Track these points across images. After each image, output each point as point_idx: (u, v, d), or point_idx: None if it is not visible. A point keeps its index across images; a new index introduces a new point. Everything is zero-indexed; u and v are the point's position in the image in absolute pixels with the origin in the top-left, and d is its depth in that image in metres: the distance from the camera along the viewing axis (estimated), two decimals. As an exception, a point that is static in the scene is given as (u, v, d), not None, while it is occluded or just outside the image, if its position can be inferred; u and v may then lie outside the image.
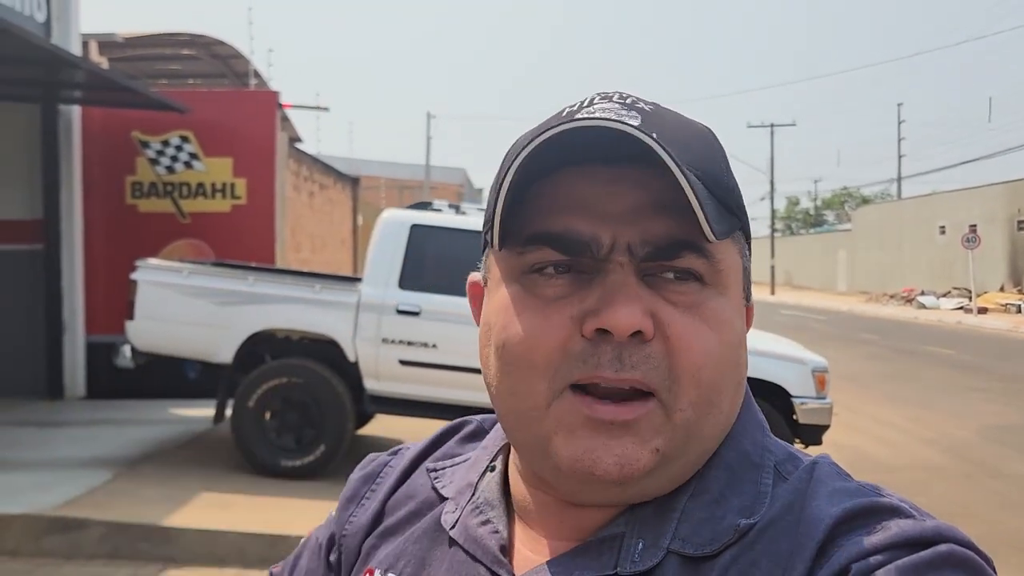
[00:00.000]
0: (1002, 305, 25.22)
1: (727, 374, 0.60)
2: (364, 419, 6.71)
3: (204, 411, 7.17)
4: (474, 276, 0.69)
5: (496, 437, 0.72)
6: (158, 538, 4.58)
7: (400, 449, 0.79)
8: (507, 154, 0.60)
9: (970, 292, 25.30)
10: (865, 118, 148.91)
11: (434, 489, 0.71)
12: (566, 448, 0.57)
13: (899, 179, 48.36)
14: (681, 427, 0.58)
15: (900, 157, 47.86)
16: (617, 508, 0.61)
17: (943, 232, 33.32)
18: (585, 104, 0.60)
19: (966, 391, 11.19)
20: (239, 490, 5.35)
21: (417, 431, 7.28)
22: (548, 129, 0.55)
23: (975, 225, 28.06)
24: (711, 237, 0.54)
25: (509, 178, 0.56)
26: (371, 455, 0.80)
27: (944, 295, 29.14)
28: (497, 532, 0.64)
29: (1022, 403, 10.31)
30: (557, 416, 0.57)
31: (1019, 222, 28.71)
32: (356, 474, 0.78)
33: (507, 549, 0.63)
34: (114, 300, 7.84)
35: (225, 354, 5.90)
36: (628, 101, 0.60)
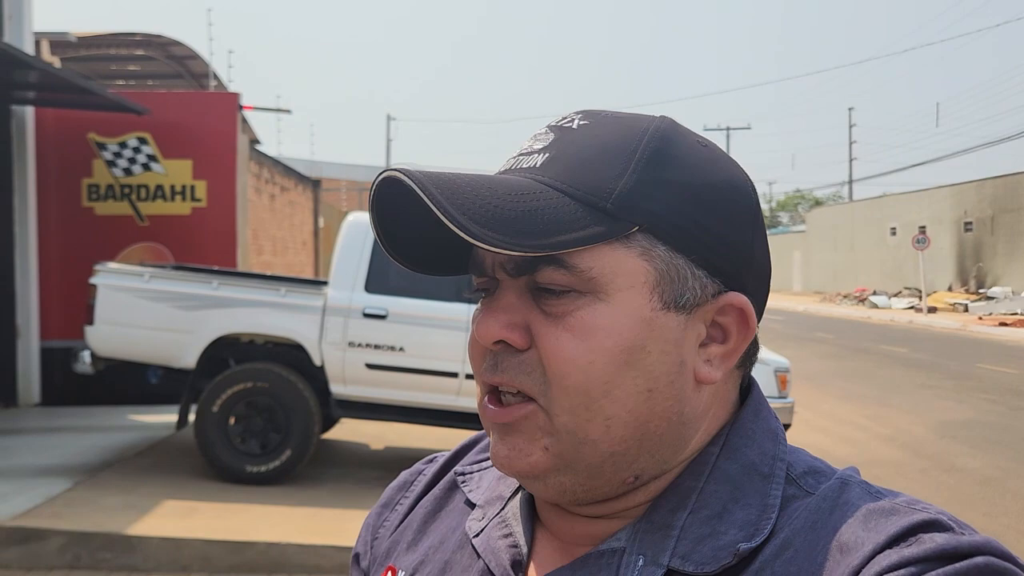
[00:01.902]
0: (951, 304, 25.90)
1: (601, 380, 0.59)
2: (330, 423, 6.66)
3: (166, 417, 7.06)
4: None
5: None
6: (121, 547, 4.50)
7: (435, 457, 0.82)
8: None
9: (920, 292, 25.95)
10: (819, 122, 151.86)
11: (462, 493, 0.74)
12: (491, 443, 0.65)
13: (851, 181, 49.40)
14: (564, 431, 0.60)
15: (852, 160, 48.91)
16: (621, 519, 0.63)
17: (894, 233, 34.13)
18: (531, 136, 0.67)
19: (920, 388, 11.49)
20: (203, 497, 5.27)
21: (384, 435, 7.26)
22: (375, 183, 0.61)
23: (924, 226, 28.79)
24: (494, 249, 0.56)
25: (372, 234, 0.63)
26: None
27: (895, 295, 29.84)
28: (515, 546, 0.66)
29: (973, 400, 10.62)
30: (481, 415, 0.65)
31: (966, 223, 29.55)
32: (392, 484, 0.82)
33: (522, 564, 0.65)
34: (70, 304, 7.68)
35: (188, 359, 5.82)
36: (564, 122, 0.65)
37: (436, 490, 0.77)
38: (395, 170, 0.59)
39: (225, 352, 5.93)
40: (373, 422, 6.26)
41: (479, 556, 0.66)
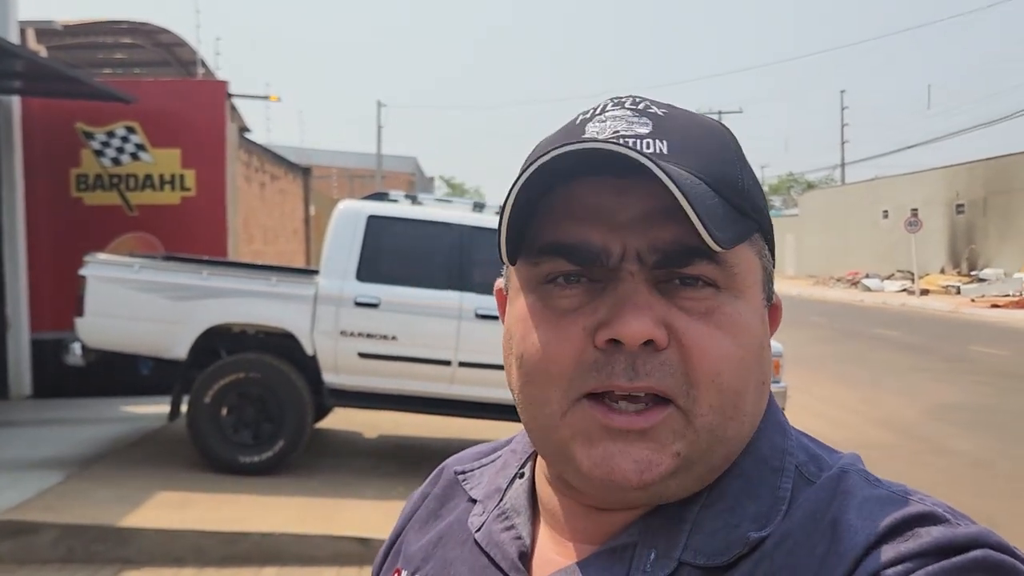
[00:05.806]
0: (943, 287, 25.99)
1: (747, 378, 0.60)
2: (323, 412, 6.65)
3: (158, 408, 7.03)
4: (498, 283, 0.70)
5: (525, 440, 0.73)
6: (114, 539, 4.49)
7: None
8: (523, 165, 0.60)
9: (913, 274, 26.03)
10: (811, 105, 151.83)
11: (463, 490, 0.74)
12: (585, 454, 0.58)
13: (843, 165, 49.46)
14: (704, 431, 0.58)
15: (843, 143, 48.94)
16: (626, 512, 0.62)
17: (886, 216, 34.20)
18: (597, 112, 0.63)
19: (912, 371, 11.54)
20: (196, 488, 5.26)
21: (378, 423, 7.25)
22: (552, 150, 0.56)
23: (916, 209, 28.82)
24: (714, 247, 0.55)
25: (515, 194, 0.57)
26: None
27: (888, 278, 29.94)
28: (519, 538, 0.65)
29: (965, 382, 10.67)
30: (573, 424, 0.59)
31: (958, 206, 29.62)
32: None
33: (527, 555, 0.64)
34: (60, 296, 7.63)
35: (180, 350, 5.79)
36: (640, 107, 0.62)
37: (436, 490, 0.77)
38: (618, 144, 0.55)
39: (217, 342, 5.90)
40: (367, 411, 6.24)
41: (483, 551, 0.65)
